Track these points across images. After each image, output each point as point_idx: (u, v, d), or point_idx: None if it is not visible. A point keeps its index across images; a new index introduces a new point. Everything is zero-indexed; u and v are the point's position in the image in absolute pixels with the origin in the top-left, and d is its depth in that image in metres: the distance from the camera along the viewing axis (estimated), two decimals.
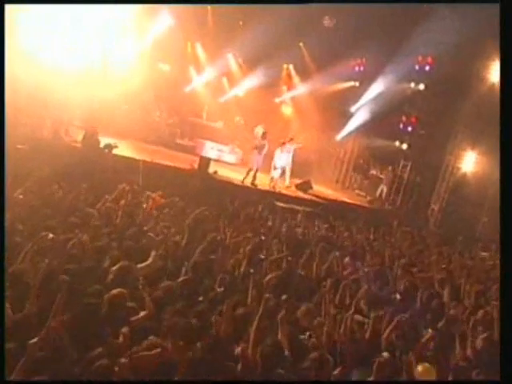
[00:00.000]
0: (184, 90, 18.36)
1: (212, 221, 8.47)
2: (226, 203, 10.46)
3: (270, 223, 9.80)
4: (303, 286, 6.74)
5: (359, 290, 6.94)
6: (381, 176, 17.82)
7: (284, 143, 14.69)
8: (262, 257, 6.89)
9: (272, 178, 14.27)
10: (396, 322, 5.54)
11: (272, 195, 13.33)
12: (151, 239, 6.73)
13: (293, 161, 14.95)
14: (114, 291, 4.70)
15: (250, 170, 13.85)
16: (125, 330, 4.16)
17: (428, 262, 9.74)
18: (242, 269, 6.49)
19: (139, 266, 5.91)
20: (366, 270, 7.92)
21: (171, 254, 6.52)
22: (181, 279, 5.97)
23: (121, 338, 4.09)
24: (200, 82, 18.33)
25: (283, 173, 14.55)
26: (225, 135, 17.70)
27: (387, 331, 5.44)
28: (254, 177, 13.77)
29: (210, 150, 16.48)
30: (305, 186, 15.28)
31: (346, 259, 8.44)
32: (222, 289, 5.81)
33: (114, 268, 5.43)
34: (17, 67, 11.01)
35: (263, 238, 7.94)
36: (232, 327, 4.57)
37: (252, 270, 6.08)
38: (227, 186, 12.60)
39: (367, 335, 5.50)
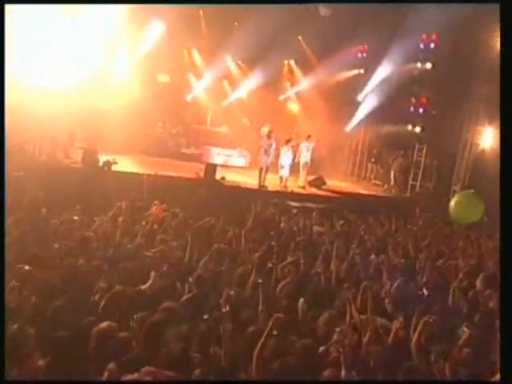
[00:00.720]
0: (186, 99, 17.93)
1: (218, 230, 7.89)
2: (234, 209, 9.88)
3: (282, 225, 9.19)
4: (321, 290, 6.11)
5: (382, 288, 6.31)
6: (396, 162, 16.99)
7: (289, 140, 14.08)
8: (270, 265, 6.27)
9: (281, 178, 13.64)
10: (425, 323, 4.89)
11: (284, 195, 12.73)
12: (151, 258, 6.20)
13: (312, 159, 14.33)
14: (103, 324, 4.17)
15: (260, 171, 13.29)
16: (111, 366, 3.61)
17: (455, 247, 9.00)
18: (251, 278, 5.89)
19: (137, 288, 5.40)
20: (388, 265, 7.25)
21: (174, 271, 5.97)
22: (184, 298, 5.43)
23: (105, 375, 3.54)
24: (201, 88, 17.85)
25: (296, 170, 14.03)
26: (231, 139, 17.19)
27: (416, 334, 4.78)
28: (263, 178, 13.20)
29: (217, 155, 16.00)
30: (318, 183, 14.65)
31: (368, 255, 7.79)
32: (228, 308, 5.23)
33: (107, 295, 4.91)
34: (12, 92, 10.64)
35: (273, 243, 7.32)
36: (235, 353, 3.98)
37: (260, 280, 5.46)
38: (235, 191, 12.03)
39: (393, 340, 4.85)
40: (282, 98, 19.53)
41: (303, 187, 14.08)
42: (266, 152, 13.23)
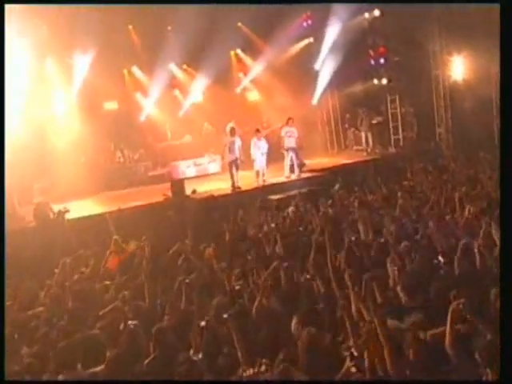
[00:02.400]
0: (139, 120, 16.57)
1: (187, 258, 6.59)
2: (209, 224, 8.62)
3: (265, 228, 7.86)
4: (315, 297, 4.83)
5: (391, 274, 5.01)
6: (373, 121, 15.72)
7: (258, 130, 12.78)
8: (238, 287, 5.01)
9: (257, 173, 12.32)
10: (453, 312, 3.61)
11: (262, 191, 11.43)
12: (107, 325, 4.88)
13: (297, 145, 13.06)
14: None
15: (231, 171, 12.02)
16: None
17: (459, 195, 7.70)
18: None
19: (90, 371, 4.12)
20: (390, 239, 5.95)
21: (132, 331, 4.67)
22: (146, 361, 4.17)
23: None
24: (151, 104, 16.50)
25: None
26: (197, 147, 15.90)
27: (448, 335, 3.50)
28: (236, 179, 11.91)
29: (187, 168, 14.77)
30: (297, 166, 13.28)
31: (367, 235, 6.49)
32: (200, 356, 3.99)
33: None
34: None
35: (249, 256, 6.05)
36: None
37: (226, 315, 4.18)
38: (209, 202, 10.69)
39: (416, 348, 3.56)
40: (238, 90, 18.19)
41: (288, 176, 12.69)
42: (230, 149, 11.94)
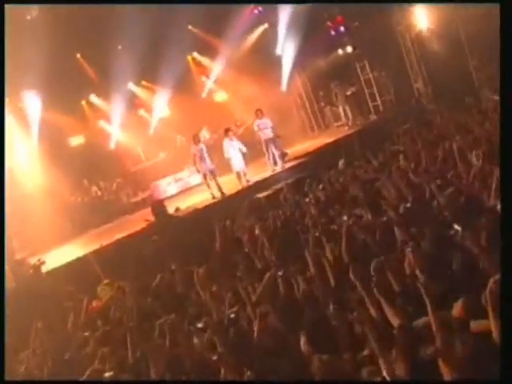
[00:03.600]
0: (109, 148, 15.72)
1: (171, 288, 5.75)
2: (196, 243, 7.76)
3: (256, 232, 6.99)
4: (321, 306, 3.99)
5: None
6: (348, 93, 14.89)
7: (227, 130, 11.92)
8: (232, 315, 4.17)
9: (238, 174, 11.45)
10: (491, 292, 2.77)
11: (247, 192, 10.57)
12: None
13: (276, 135, 12.18)
14: None
15: (206, 183, 11.21)
16: None
17: (457, 146, 6.80)
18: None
19: None
20: (393, 216, 5.08)
21: None
22: None
23: None
24: (118, 129, 15.67)
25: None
26: (175, 163, 15.01)
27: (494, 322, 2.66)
28: (217, 187, 11.08)
29: (168, 186, 13.98)
30: (278, 158, 12.43)
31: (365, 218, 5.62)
32: None
33: None
34: None
35: (239, 273, 5.21)
36: None
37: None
38: (193, 217, 9.83)
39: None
40: (204, 94, 17.34)
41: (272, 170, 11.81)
42: (201, 158, 11.10)
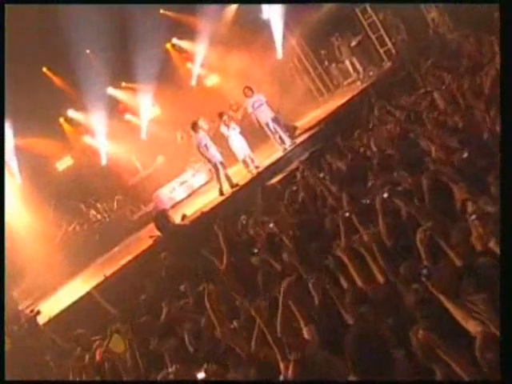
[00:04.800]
0: (101, 165, 14.99)
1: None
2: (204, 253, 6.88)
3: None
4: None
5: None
6: (352, 44, 13.71)
7: (221, 114, 11.01)
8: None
9: (245, 162, 10.51)
10: None
11: (258, 179, 9.62)
12: None
13: (276, 112, 11.24)
14: None
15: (216, 175, 10.30)
16: None
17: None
18: None
19: None
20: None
21: None
22: None
23: None
24: (105, 142, 14.90)
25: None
26: (175, 165, 14.16)
27: None
28: (226, 179, 10.15)
29: (172, 193, 13.17)
30: (289, 133, 11.42)
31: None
32: None
33: None
34: None
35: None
36: None
37: None
38: (200, 222, 8.92)
39: None
40: (193, 82, 16.42)
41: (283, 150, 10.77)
42: (207, 146, 10.18)
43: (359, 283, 3.29)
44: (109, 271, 9.28)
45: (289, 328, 3.47)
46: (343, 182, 5.79)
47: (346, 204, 4.75)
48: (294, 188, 6.86)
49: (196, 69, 16.30)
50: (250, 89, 11.01)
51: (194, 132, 10.52)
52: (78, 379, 5.10)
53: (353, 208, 4.42)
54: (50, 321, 8.17)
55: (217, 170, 10.32)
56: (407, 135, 5.68)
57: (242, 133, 11.02)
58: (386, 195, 3.95)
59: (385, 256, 3.35)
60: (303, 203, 6.07)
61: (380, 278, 3.26)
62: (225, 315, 4.71)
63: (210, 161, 10.31)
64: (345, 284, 3.47)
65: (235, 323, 4.05)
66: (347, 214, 4.09)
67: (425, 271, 2.84)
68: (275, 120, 10.81)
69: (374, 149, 6.57)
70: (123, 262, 9.63)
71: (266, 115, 10.73)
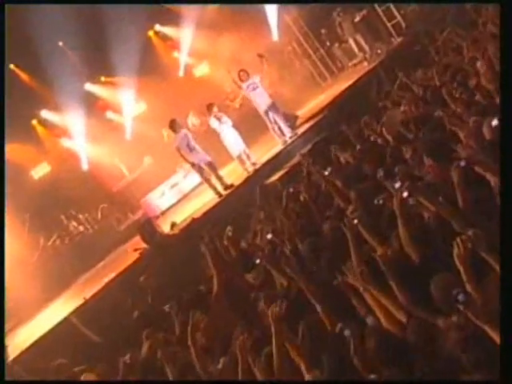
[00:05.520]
0: (82, 170, 14.55)
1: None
2: (194, 268, 6.33)
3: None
4: None
5: None
6: (356, 20, 13.05)
7: (210, 106, 10.42)
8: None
9: (240, 158, 9.90)
10: None
11: (257, 178, 9.02)
12: None
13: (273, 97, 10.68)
14: None
15: (205, 179, 9.71)
16: None
17: None
18: None
19: None
20: None
21: None
22: None
23: None
24: (85, 145, 14.41)
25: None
26: (165, 165, 13.58)
27: None
28: (218, 181, 9.54)
29: (161, 198, 12.63)
30: (289, 123, 10.81)
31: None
32: None
33: None
34: None
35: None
36: None
37: None
38: (190, 232, 8.30)
39: None
40: (181, 73, 15.88)
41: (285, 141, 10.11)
42: (189, 146, 9.55)
43: (383, 321, 2.68)
44: (90, 292, 8.75)
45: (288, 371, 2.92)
46: (350, 177, 5.18)
47: (353, 205, 4.14)
48: (295, 187, 6.24)
49: (183, 58, 15.85)
50: (246, 72, 10.46)
51: (173, 132, 9.93)
52: None
53: (362, 212, 3.80)
54: (21, 354, 7.63)
55: (202, 173, 9.73)
56: (428, 117, 5.03)
57: (236, 126, 10.50)
58: (405, 194, 3.32)
59: (410, 277, 2.74)
60: (306, 205, 5.44)
61: (407, 309, 2.64)
62: (215, 350, 4.17)
63: (193, 164, 9.69)
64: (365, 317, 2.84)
65: (221, 363, 3.45)
66: (355, 222, 3.47)
67: (461, 297, 2.25)
68: (273, 107, 10.20)
69: (387, 136, 5.96)
70: (107, 280, 9.09)
71: (262, 100, 10.14)
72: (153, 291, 6.94)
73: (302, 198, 5.88)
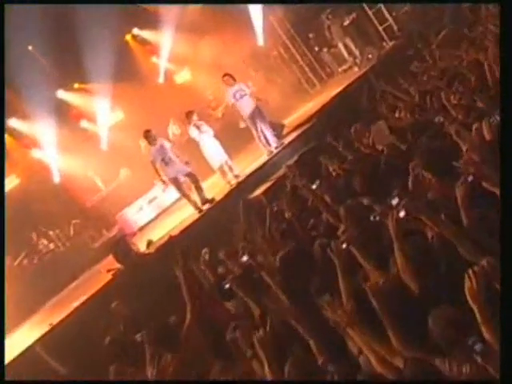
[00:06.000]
0: (54, 183, 14.24)
1: None
2: (168, 294, 6.02)
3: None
4: None
5: None
6: (346, 23, 12.94)
7: (189, 113, 10.20)
8: None
9: (221, 169, 9.63)
10: None
11: (240, 191, 8.73)
12: None
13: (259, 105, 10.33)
14: None
15: (183, 193, 9.41)
16: None
17: None
18: None
19: None
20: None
21: None
22: None
23: None
24: (56, 156, 14.14)
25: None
26: (143, 178, 13.28)
27: None
28: (197, 197, 9.24)
29: (139, 213, 12.36)
30: (275, 132, 10.58)
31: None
32: None
33: None
34: None
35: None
36: None
37: None
38: (166, 251, 7.98)
39: None
40: (160, 79, 15.70)
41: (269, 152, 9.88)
42: (164, 160, 9.23)
43: (375, 366, 2.38)
44: (58, 317, 8.39)
45: None
46: (341, 191, 4.89)
47: (344, 224, 3.84)
48: (279, 204, 5.95)
49: (163, 63, 15.71)
50: (231, 76, 10.21)
51: (148, 144, 9.62)
52: None
53: (354, 231, 3.50)
54: None
55: (180, 187, 9.42)
56: (427, 124, 4.77)
57: (218, 136, 10.27)
58: (402, 213, 3.02)
59: (407, 312, 2.44)
60: (291, 223, 5.14)
61: (403, 354, 2.33)
62: None
63: (169, 179, 9.37)
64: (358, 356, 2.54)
65: None
66: (344, 246, 3.16)
67: (478, 347, 1.95)
68: (259, 116, 9.94)
69: (380, 146, 5.70)
70: (76, 304, 8.72)
71: (249, 109, 9.88)
72: (125, 319, 6.58)
73: (287, 216, 5.59)
